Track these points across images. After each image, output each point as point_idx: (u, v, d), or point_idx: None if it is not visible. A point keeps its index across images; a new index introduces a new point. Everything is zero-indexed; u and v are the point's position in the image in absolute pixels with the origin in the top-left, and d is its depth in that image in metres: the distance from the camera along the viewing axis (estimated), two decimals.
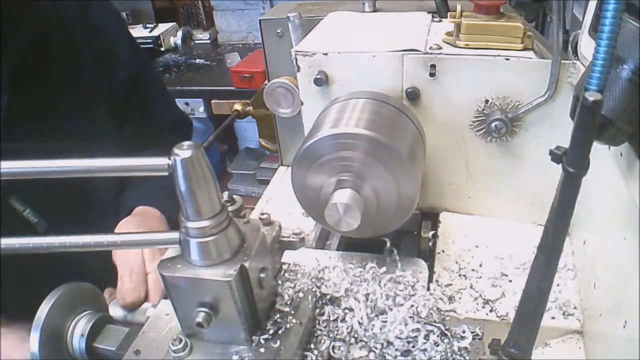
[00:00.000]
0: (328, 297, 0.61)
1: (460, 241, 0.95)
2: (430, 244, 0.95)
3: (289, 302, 0.57)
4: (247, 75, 2.63)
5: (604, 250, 0.74)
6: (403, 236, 1.00)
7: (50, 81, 0.91)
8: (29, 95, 0.88)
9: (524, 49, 0.85)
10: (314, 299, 0.60)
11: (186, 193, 0.44)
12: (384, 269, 0.64)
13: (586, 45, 0.77)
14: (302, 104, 0.95)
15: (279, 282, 0.59)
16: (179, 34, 2.96)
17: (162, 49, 2.93)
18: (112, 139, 1.04)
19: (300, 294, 0.59)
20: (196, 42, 3.24)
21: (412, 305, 0.59)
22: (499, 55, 0.83)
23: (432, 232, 0.96)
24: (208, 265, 0.47)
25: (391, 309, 0.59)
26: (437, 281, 0.87)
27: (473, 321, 0.79)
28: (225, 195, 0.54)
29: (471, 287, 0.85)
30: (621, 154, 0.62)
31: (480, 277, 0.87)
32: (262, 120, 1.41)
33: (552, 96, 0.82)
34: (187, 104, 2.84)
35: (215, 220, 0.46)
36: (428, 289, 0.62)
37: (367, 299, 0.61)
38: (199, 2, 3.47)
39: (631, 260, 0.57)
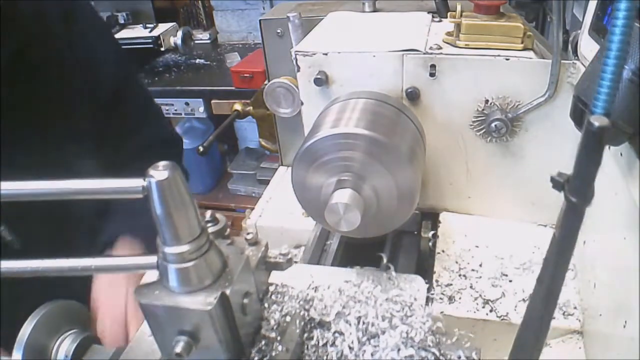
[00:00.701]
0: (317, 320, 0.59)
1: (460, 241, 0.95)
2: (430, 244, 0.95)
3: (275, 327, 0.54)
4: (247, 75, 2.63)
5: (604, 250, 0.73)
6: (403, 236, 1.00)
7: (34, 91, 0.89)
8: (13, 105, 0.87)
9: (524, 49, 0.85)
10: (302, 323, 0.57)
11: (163, 217, 0.41)
12: (379, 287, 0.61)
13: (586, 45, 0.77)
14: (302, 104, 0.95)
15: (265, 305, 0.56)
16: (179, 34, 2.95)
17: (162, 49, 2.92)
18: (94, 153, 1.00)
19: (288, 318, 0.56)
20: (196, 42, 3.23)
21: (406, 329, 0.56)
22: (499, 55, 0.83)
23: (432, 232, 0.96)
24: (188, 292, 0.45)
25: (384, 332, 0.56)
26: (437, 281, 0.87)
27: (473, 321, 0.80)
28: (208, 214, 0.51)
29: (471, 287, 0.85)
30: (621, 154, 0.62)
31: (480, 277, 0.87)
32: (262, 120, 1.41)
33: (552, 96, 0.82)
34: (187, 104, 2.83)
35: (194, 244, 0.43)
36: (425, 307, 0.60)
37: (359, 322, 0.58)
38: (199, 2, 3.46)
39: (631, 261, 0.57)
